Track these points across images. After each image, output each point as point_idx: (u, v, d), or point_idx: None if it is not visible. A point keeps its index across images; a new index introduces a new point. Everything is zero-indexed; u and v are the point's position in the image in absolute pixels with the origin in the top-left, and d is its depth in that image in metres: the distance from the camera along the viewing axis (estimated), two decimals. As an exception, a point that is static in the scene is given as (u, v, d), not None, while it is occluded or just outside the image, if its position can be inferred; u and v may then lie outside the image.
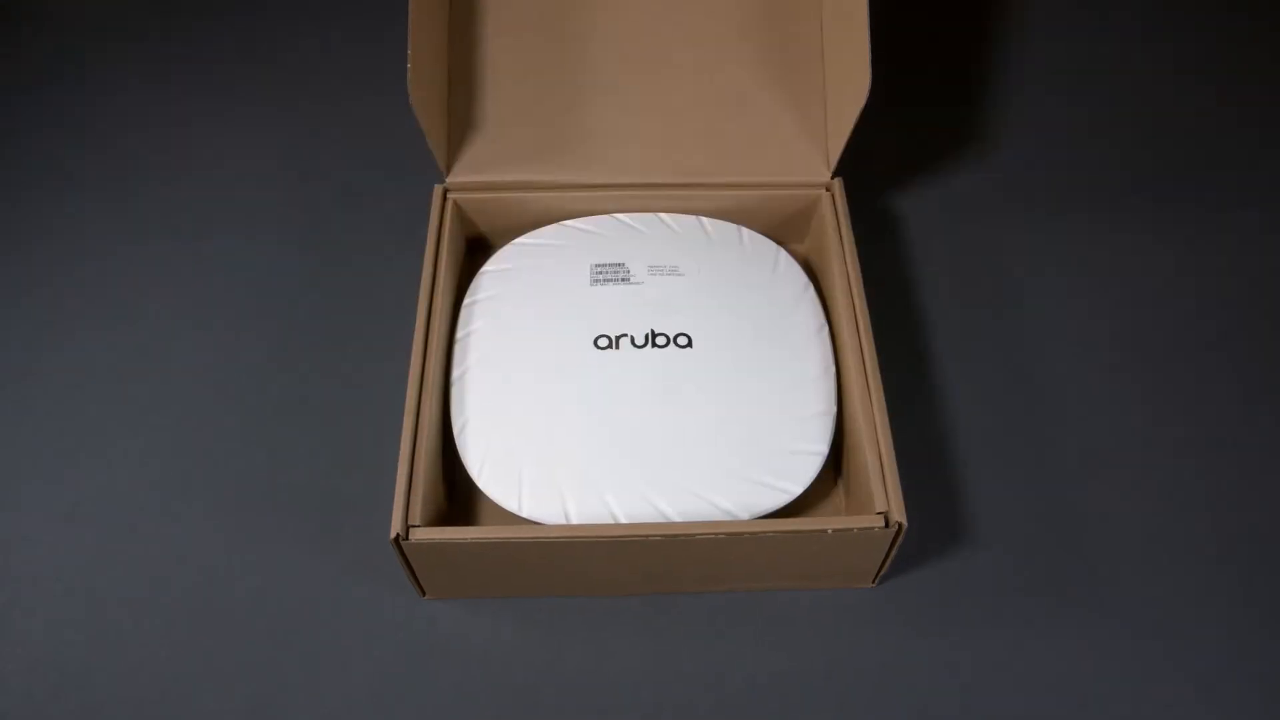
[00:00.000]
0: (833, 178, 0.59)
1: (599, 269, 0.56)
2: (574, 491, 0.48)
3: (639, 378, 0.51)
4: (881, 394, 0.49)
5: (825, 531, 0.45)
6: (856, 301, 0.53)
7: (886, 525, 0.45)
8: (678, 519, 0.47)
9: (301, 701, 0.48)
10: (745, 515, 0.47)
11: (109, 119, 0.75)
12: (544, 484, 0.48)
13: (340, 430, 0.58)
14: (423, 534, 0.45)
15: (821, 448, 0.50)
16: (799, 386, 0.51)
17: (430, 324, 0.53)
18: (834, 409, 0.51)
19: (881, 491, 0.46)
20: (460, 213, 0.60)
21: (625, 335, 0.53)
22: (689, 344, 0.52)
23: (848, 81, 0.56)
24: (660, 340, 0.53)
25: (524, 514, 0.48)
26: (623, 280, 0.55)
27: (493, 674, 0.49)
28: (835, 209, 0.58)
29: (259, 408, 0.59)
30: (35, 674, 0.49)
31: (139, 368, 0.61)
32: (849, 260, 0.55)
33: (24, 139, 0.74)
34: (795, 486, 0.48)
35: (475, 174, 0.60)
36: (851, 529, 0.45)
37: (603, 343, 0.53)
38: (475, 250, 0.64)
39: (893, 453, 0.47)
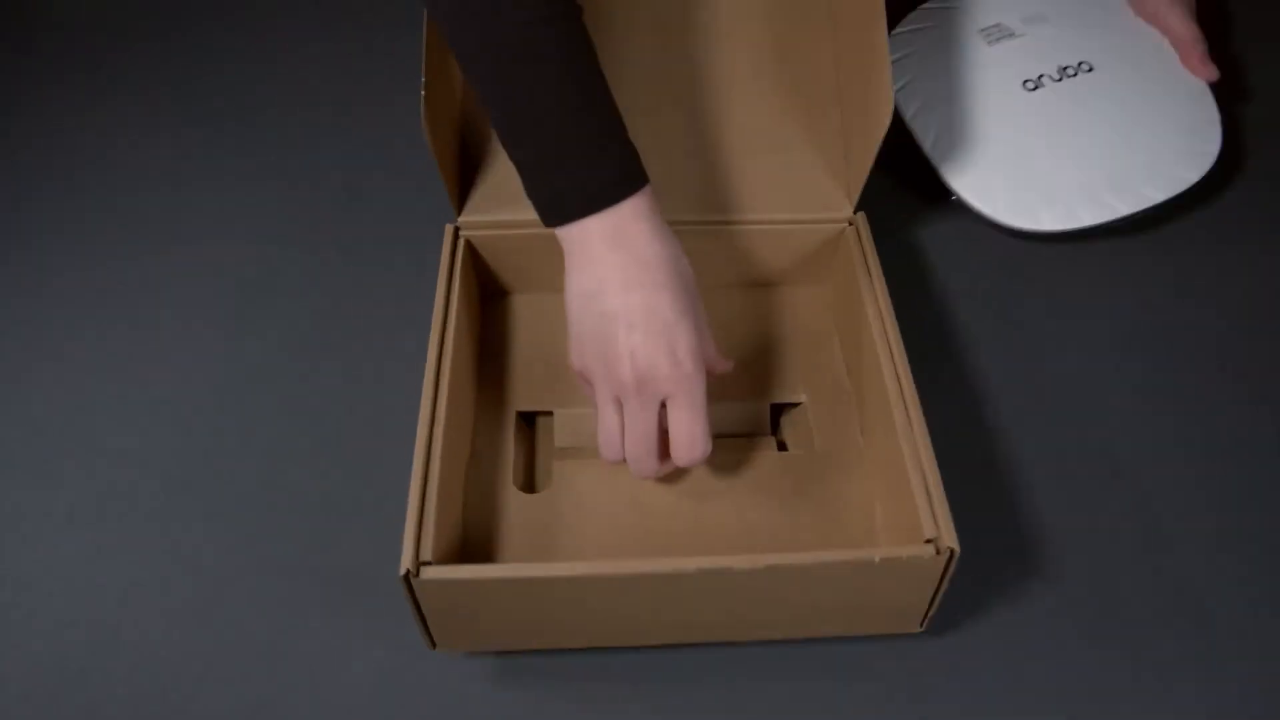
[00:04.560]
0: (855, 212, 0.59)
1: (985, 32, 0.70)
2: (1045, 200, 0.64)
3: (1067, 104, 0.66)
4: (922, 420, 0.48)
5: (872, 560, 0.42)
6: (890, 333, 0.52)
7: (937, 553, 0.43)
8: (1125, 211, 0.61)
9: (301, 701, 0.48)
10: (1171, 191, 0.63)
11: (110, 120, 0.75)
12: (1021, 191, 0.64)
13: (341, 433, 0.58)
14: (437, 571, 0.42)
15: (1216, 137, 0.65)
16: (1189, 97, 0.67)
17: (441, 365, 0.50)
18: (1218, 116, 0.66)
19: (930, 516, 0.44)
20: (472, 252, 0.59)
21: (1046, 74, 0.67)
22: (1091, 69, 0.67)
23: (866, 114, 0.56)
24: (1070, 71, 0.67)
25: (1000, 218, 0.64)
26: (1010, 35, 0.69)
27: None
28: (861, 243, 0.57)
29: (259, 409, 0.59)
30: (35, 674, 0.49)
31: (139, 369, 0.61)
32: (879, 291, 0.54)
33: (24, 140, 0.74)
34: (1208, 156, 0.64)
35: (487, 213, 0.58)
36: (900, 556, 0.43)
37: (1029, 85, 0.67)
38: (490, 294, 0.62)
39: (938, 475, 0.45)
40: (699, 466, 0.52)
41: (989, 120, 0.68)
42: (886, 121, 0.53)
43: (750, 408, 0.57)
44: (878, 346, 0.52)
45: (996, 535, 0.53)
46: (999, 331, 0.62)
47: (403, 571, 0.42)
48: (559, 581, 0.43)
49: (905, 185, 0.70)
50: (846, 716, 0.47)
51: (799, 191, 0.60)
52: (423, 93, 0.51)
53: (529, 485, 0.54)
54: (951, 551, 0.43)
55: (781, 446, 0.56)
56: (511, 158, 0.47)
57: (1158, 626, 0.50)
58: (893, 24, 0.73)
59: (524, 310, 0.61)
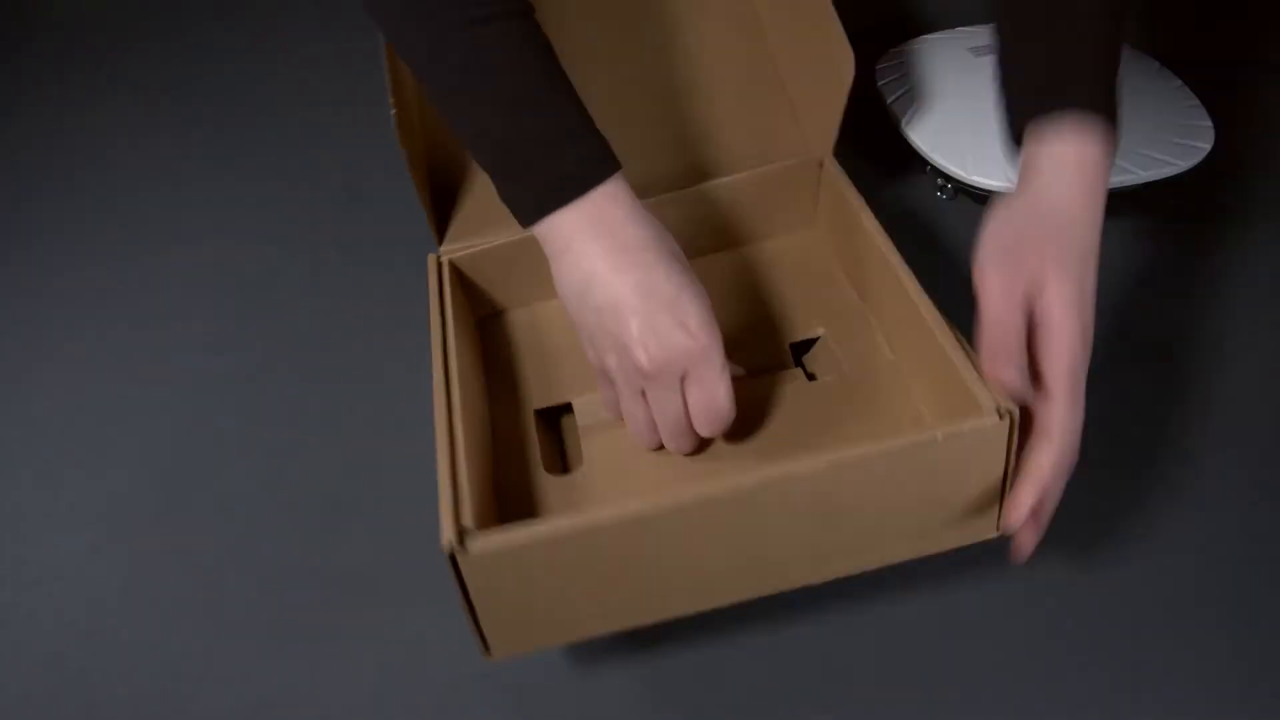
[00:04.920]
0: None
1: (974, 49, 0.72)
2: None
3: None
4: (950, 324, 0.46)
5: (935, 438, 0.40)
6: (895, 255, 0.50)
7: (1000, 418, 0.40)
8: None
9: (302, 701, 0.48)
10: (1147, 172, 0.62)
11: (110, 120, 0.75)
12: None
13: (341, 433, 0.58)
14: (487, 541, 0.37)
15: (1207, 138, 0.65)
16: (1180, 103, 0.68)
17: (448, 364, 0.48)
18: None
19: (984, 391, 0.42)
20: (459, 275, 0.57)
21: None
22: None
23: (829, 63, 0.56)
24: None
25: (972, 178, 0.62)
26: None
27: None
28: (840, 180, 0.57)
29: (259, 409, 0.59)
30: (35, 674, 0.49)
31: (139, 369, 0.61)
32: (872, 219, 0.53)
33: (25, 140, 0.74)
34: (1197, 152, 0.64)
35: (468, 239, 0.57)
36: (962, 430, 0.40)
37: None
38: (485, 315, 0.61)
39: (968, 346, 0.44)
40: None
41: (971, 104, 0.69)
42: (849, 68, 0.54)
43: (769, 348, 0.55)
44: (890, 263, 0.50)
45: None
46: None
47: (445, 544, 0.36)
48: (618, 527, 0.38)
49: (906, 186, 0.71)
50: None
51: (769, 142, 0.60)
52: (393, 114, 0.50)
53: (560, 467, 0.52)
54: (1011, 415, 0.40)
55: (810, 379, 0.54)
56: (480, 164, 0.46)
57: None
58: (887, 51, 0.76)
59: (522, 323, 0.60)
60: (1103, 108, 0.44)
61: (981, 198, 0.67)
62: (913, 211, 0.70)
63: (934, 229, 0.68)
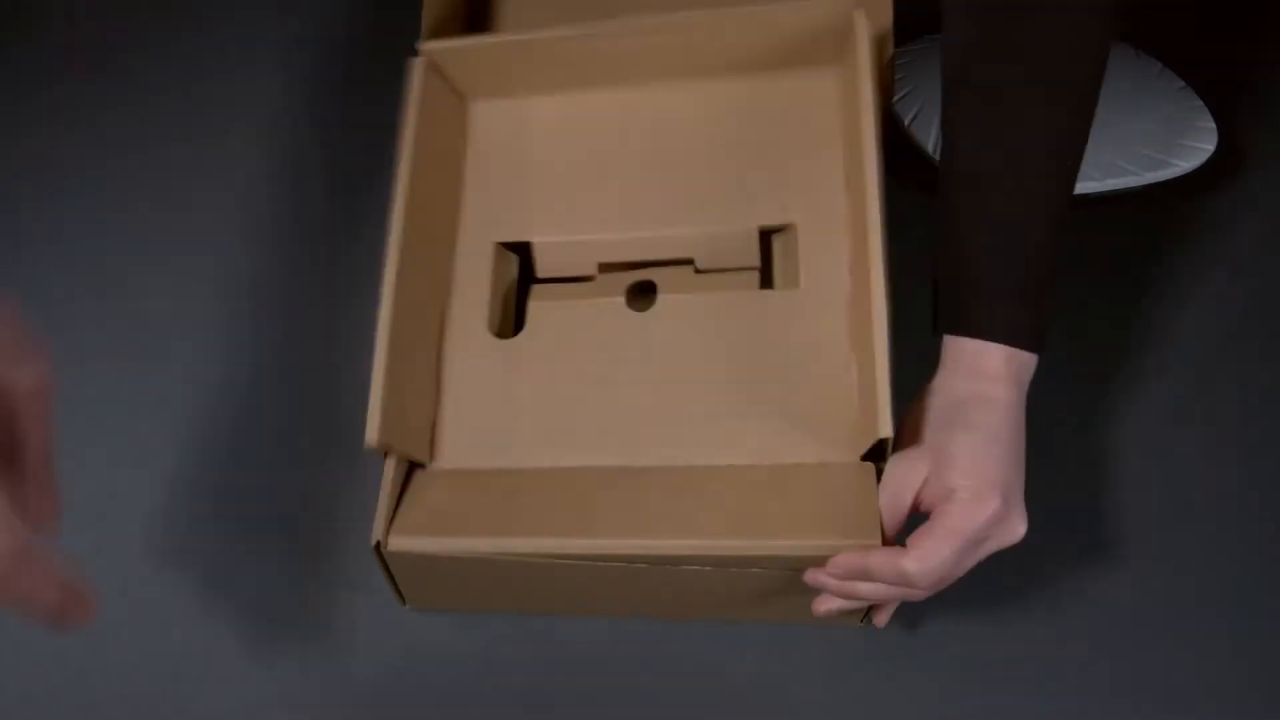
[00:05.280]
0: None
1: None
2: None
3: None
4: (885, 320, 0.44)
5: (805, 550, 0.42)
6: (873, 162, 0.47)
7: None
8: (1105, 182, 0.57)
9: (302, 702, 0.48)
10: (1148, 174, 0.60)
11: (108, 120, 0.75)
12: None
13: (341, 434, 0.58)
14: (401, 542, 0.45)
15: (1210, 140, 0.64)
16: (1182, 106, 0.65)
17: (408, 210, 0.49)
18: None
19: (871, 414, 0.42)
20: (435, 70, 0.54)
21: None
22: None
23: None
24: None
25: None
26: None
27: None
28: (871, 27, 0.51)
29: (259, 409, 0.59)
30: (35, 674, 0.49)
31: (138, 368, 0.61)
32: (872, 92, 0.48)
33: (23, 140, 0.74)
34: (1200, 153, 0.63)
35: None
36: (844, 542, 0.41)
37: None
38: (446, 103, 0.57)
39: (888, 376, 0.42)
40: (680, 316, 0.50)
41: None
42: None
43: (738, 235, 0.52)
44: (865, 169, 0.47)
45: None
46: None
47: (373, 541, 0.45)
48: (514, 563, 0.45)
49: (906, 189, 0.71)
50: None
51: None
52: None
53: (504, 329, 0.53)
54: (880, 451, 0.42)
55: (767, 276, 0.52)
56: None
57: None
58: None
59: (490, 121, 0.57)
60: (1024, 338, 0.43)
61: None
62: (913, 212, 0.70)
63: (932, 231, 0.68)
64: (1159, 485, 0.56)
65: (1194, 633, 0.51)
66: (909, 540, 0.41)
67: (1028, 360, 0.44)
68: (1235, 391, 0.60)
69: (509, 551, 0.44)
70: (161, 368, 0.61)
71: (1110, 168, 0.65)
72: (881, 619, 0.47)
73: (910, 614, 0.50)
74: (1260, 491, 0.56)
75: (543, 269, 0.54)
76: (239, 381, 0.60)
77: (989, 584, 0.49)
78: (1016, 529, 0.41)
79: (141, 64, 0.80)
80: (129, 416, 0.59)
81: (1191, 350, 0.62)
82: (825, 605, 0.44)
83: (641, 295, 0.53)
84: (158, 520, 0.55)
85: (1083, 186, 0.64)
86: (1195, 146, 0.66)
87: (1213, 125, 0.67)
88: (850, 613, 0.46)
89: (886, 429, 0.41)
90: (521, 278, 0.55)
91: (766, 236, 0.53)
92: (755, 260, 0.52)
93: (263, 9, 0.84)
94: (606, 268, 0.53)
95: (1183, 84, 0.71)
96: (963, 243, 0.45)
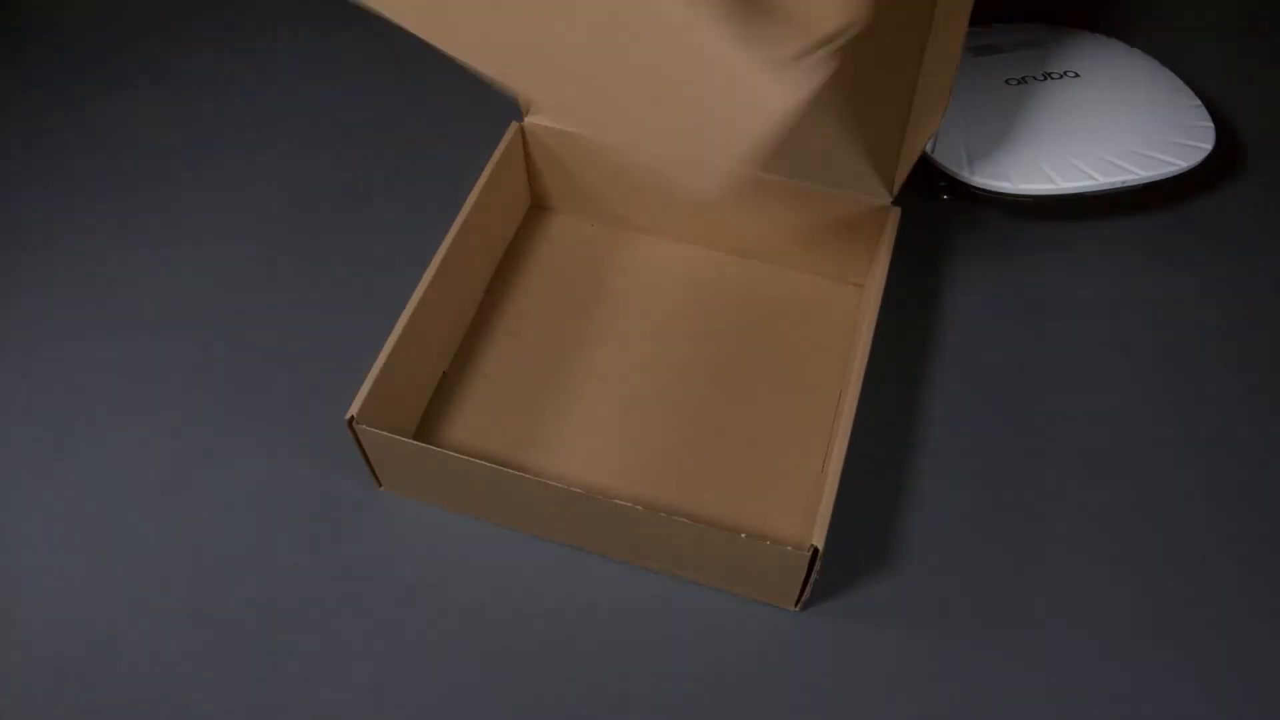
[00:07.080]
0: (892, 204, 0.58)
1: (974, 49, 0.72)
2: (1017, 167, 0.63)
3: (1051, 97, 0.67)
4: (850, 416, 0.49)
5: (739, 536, 0.45)
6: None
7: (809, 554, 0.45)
8: (1104, 181, 0.61)
9: (302, 702, 0.48)
10: (1146, 174, 0.63)
11: (109, 120, 0.75)
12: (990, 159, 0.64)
13: (341, 434, 0.58)
14: (369, 427, 0.49)
15: (1208, 138, 0.65)
16: (1180, 105, 0.68)
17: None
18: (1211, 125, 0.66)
19: (811, 515, 0.47)
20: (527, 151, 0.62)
21: (1030, 75, 0.69)
22: (1077, 75, 0.69)
23: (925, 110, 0.54)
24: (1055, 75, 0.69)
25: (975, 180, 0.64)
26: (998, 52, 0.72)
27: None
28: (885, 236, 0.58)
29: (259, 409, 0.59)
30: (35, 674, 0.49)
31: (138, 368, 0.61)
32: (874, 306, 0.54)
33: (24, 139, 0.74)
34: (1198, 152, 0.64)
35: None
36: (766, 541, 0.45)
37: (1013, 82, 0.68)
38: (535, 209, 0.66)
39: (837, 475, 0.46)
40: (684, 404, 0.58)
41: (972, 107, 0.68)
42: (939, 118, 0.52)
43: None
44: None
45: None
46: (1006, 327, 0.63)
47: (348, 415, 0.50)
48: (469, 467, 0.48)
49: (906, 186, 0.71)
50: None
51: (842, 168, 0.59)
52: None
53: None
54: (815, 550, 0.44)
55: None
56: None
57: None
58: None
59: (567, 231, 0.66)
60: None
61: (982, 199, 0.67)
62: (913, 211, 0.70)
63: (935, 230, 0.69)
64: (1158, 485, 0.56)
65: (1194, 632, 0.51)
66: None
67: None
68: (1233, 390, 0.60)
69: (460, 457, 0.48)
70: (162, 368, 0.61)
71: (1109, 167, 0.65)
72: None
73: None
74: (1261, 491, 0.56)
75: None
76: (241, 382, 0.60)
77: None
78: None
79: (140, 63, 0.80)
80: (130, 416, 0.59)
81: (1190, 348, 0.62)
82: None
83: None
84: (158, 520, 0.55)
85: (1082, 186, 0.64)
86: (1194, 146, 0.66)
87: (1211, 124, 0.67)
88: (785, 594, 0.49)
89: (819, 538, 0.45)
90: None
91: None
92: None
93: (264, 10, 0.84)
94: None
95: (1181, 83, 0.71)
96: None
